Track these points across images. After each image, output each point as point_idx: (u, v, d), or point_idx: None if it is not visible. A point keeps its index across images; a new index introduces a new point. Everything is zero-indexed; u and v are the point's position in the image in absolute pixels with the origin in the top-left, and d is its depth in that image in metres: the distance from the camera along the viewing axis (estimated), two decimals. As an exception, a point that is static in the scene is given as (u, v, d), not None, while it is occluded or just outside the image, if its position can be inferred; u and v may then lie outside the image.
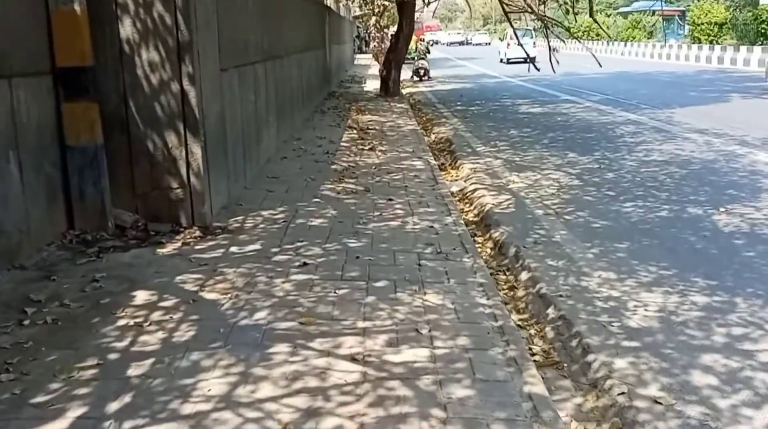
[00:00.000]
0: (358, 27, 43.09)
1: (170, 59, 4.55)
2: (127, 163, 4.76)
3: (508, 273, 4.60)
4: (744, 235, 5.08)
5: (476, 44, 65.47)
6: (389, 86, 15.88)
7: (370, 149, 8.43)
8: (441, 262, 4.21)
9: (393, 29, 28.65)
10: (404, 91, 17.22)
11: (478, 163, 8.13)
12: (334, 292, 3.63)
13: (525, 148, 9.15)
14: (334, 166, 7.26)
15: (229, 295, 3.56)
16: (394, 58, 15.69)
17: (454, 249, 4.48)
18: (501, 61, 33.59)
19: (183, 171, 4.75)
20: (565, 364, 3.22)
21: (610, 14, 43.29)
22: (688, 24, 32.98)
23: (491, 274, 4.33)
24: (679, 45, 32.32)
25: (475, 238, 5.24)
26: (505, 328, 3.27)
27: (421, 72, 23.51)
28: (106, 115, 4.61)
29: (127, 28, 4.49)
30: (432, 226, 4.99)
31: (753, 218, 5.49)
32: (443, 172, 7.73)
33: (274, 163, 7.33)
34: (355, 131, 10.04)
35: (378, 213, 5.34)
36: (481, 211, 6.05)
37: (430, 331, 3.19)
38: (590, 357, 3.17)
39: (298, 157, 7.75)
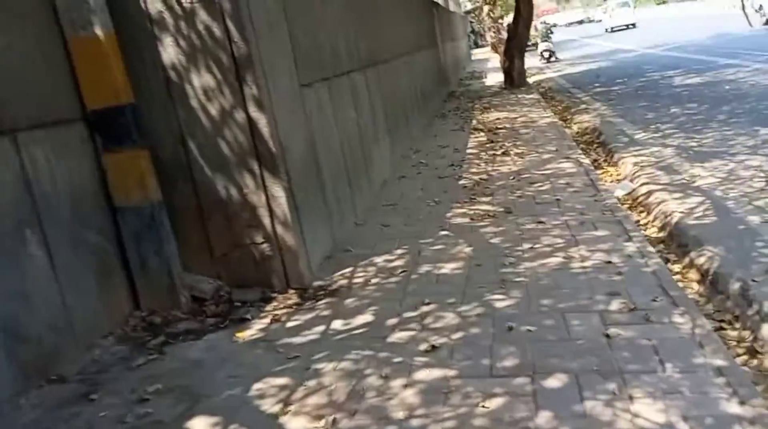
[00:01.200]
0: (471, 22, 41.53)
1: (228, 81, 3.45)
2: (197, 218, 3.71)
3: (736, 324, 3.06)
4: None
5: (599, 21, 60.20)
6: (513, 77, 14.31)
7: (504, 154, 7.01)
8: (640, 327, 2.76)
9: (507, 19, 26.90)
10: (530, 80, 15.53)
11: (642, 155, 6.48)
12: (482, 406, 2.31)
13: (699, 129, 7.33)
14: (462, 182, 5.94)
15: (323, 423, 2.34)
16: (515, 46, 14.10)
17: (654, 299, 3.01)
18: (606, 30, 35.54)
19: (266, 221, 3.64)
20: None
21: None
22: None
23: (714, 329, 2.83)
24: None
25: (671, 267, 3.71)
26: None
27: (547, 54, 22.26)
28: (162, 162, 3.58)
29: (169, 50, 3.43)
30: (610, 261, 3.53)
31: None
32: (600, 172, 6.17)
33: (391, 186, 6.12)
34: (482, 134, 8.65)
35: (528, 245, 3.95)
36: (667, 223, 4.48)
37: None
38: None
39: (418, 175, 6.49)
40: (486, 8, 22.70)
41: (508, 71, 14.39)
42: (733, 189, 4.87)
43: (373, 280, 3.70)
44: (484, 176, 6.02)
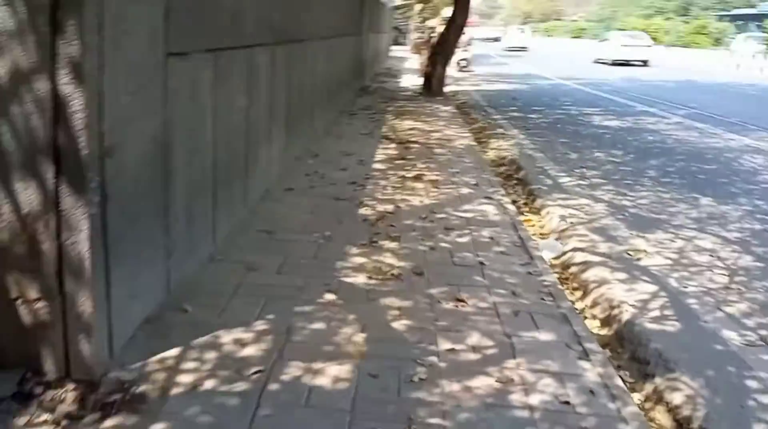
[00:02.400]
0: (396, 18, 40.46)
1: (34, 25, 2.07)
2: (-61, 240, 2.28)
3: None
4: None
5: (497, 39, 54.94)
6: (432, 84, 13.31)
7: (416, 178, 5.88)
8: None
9: (433, 21, 26.03)
10: (447, 90, 14.59)
11: (570, 206, 5.56)
12: None
13: (630, 184, 6.52)
14: (363, 210, 4.74)
15: None
16: (442, 52, 13.09)
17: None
18: (503, 49, 39.81)
19: (49, 265, 2.27)
20: None
21: (670, 17, 40.02)
22: (764, 31, 29.56)
23: None
24: (753, 55, 29.01)
25: (633, 393, 2.68)
26: None
27: (464, 63, 22.37)
28: None
29: None
30: (566, 402, 2.42)
31: None
32: (521, 219, 5.17)
33: (273, 201, 4.83)
34: (393, 145, 7.50)
35: (446, 344, 2.78)
36: (614, 318, 3.50)
37: None
38: None
39: (310, 189, 5.23)
40: (418, 7, 21.57)
41: (428, 76, 13.37)
42: (691, 279, 3.97)
43: (206, 385, 2.39)
44: (391, 208, 4.85)
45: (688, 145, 8.87)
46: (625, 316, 3.47)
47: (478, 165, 6.76)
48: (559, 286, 3.63)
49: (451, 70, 18.44)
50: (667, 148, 8.70)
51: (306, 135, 6.73)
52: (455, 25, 12.91)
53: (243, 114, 4.18)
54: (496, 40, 58.53)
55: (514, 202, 5.89)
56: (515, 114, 12.05)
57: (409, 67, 22.31)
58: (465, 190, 5.56)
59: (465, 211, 4.92)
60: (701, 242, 4.69)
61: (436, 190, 5.53)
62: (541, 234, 5.16)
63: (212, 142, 3.60)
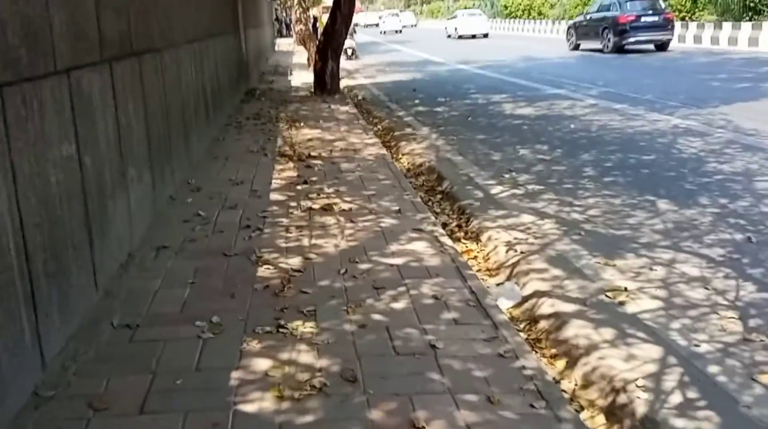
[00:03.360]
0: (276, 9, 38.83)
1: None
2: None
3: None
4: None
5: (402, 27, 58.85)
6: (326, 82, 12.14)
7: (324, 209, 4.75)
8: None
9: (315, 11, 24.71)
10: (341, 85, 13.46)
11: (512, 226, 4.62)
12: None
13: (570, 188, 5.67)
14: (262, 270, 3.56)
15: None
16: (330, 44, 11.94)
17: None
18: (449, 36, 36.32)
19: None
20: None
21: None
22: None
23: None
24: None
25: None
26: None
27: (350, 51, 21.93)
28: None
29: None
30: None
31: None
32: (458, 249, 4.16)
33: (140, 271, 3.57)
34: (291, 164, 6.31)
35: None
36: (620, 406, 2.54)
37: None
38: None
39: (191, 244, 3.99)
40: None
41: (320, 74, 12.18)
42: (697, 331, 3.07)
43: None
44: (298, 262, 3.70)
45: (615, 132, 8.18)
46: (640, 408, 2.52)
47: (395, 180, 5.70)
48: (548, 376, 2.62)
49: (342, 62, 17.37)
50: (594, 137, 7.97)
51: (182, 164, 5.45)
52: (341, 15, 11.78)
53: (72, 165, 2.91)
54: (376, 25, 58.27)
55: (444, 225, 4.90)
56: (421, 108, 11.11)
57: (297, 61, 21.02)
58: (387, 221, 4.48)
59: (393, 254, 3.84)
60: (684, 267, 3.82)
61: (351, 224, 4.42)
62: (488, 270, 4.17)
63: (12, 220, 2.34)
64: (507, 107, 10.80)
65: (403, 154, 7.70)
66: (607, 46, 20.83)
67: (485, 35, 35.11)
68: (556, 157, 6.98)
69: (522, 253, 4.18)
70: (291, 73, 16.98)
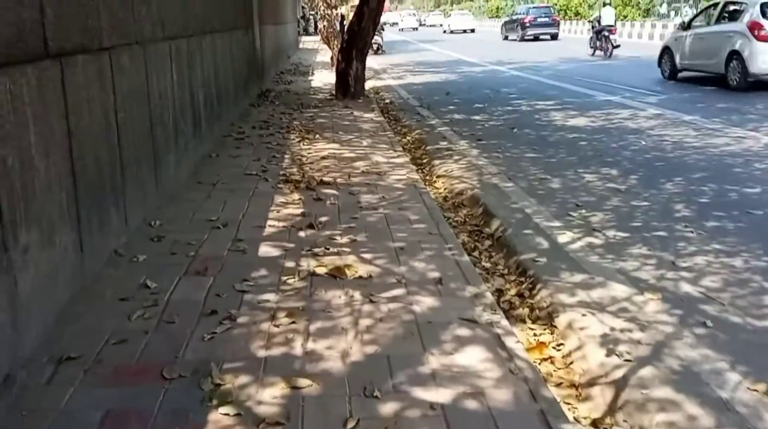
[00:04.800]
0: (303, 7, 37.56)
1: None
2: None
3: None
4: None
5: (431, 25, 61.43)
6: (349, 84, 10.72)
7: (334, 274, 3.32)
8: None
9: (343, 9, 23.30)
10: (367, 86, 12.05)
11: (602, 305, 3.19)
12: None
13: (664, 238, 4.19)
14: (213, 423, 2.17)
15: None
16: (356, 43, 10.52)
17: None
18: (444, 31, 44.12)
19: None
20: None
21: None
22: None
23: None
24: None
25: None
26: None
27: (375, 46, 21.42)
28: None
29: None
30: None
31: None
32: (519, 326, 2.75)
33: (12, 413, 2.20)
34: (296, 195, 4.91)
35: None
36: None
37: None
38: None
39: (115, 350, 2.58)
40: None
41: (343, 75, 10.77)
42: None
43: None
44: (280, 400, 2.29)
45: (696, 153, 6.67)
46: None
47: (431, 222, 4.28)
48: None
49: (368, 59, 15.96)
50: (672, 159, 6.48)
51: (144, 198, 4.08)
52: (369, 10, 10.36)
53: None
54: (395, 24, 58.57)
55: (500, 293, 3.49)
56: (456, 116, 9.67)
57: (321, 60, 19.67)
58: (423, 302, 3.05)
59: (434, 376, 2.41)
60: None
61: (370, 307, 3.00)
62: (572, 385, 2.74)
63: None
64: (556, 117, 9.31)
65: (437, 176, 6.28)
66: (518, 37, 31.21)
67: (472, 30, 43.59)
68: (632, 187, 5.51)
69: (626, 360, 2.74)
70: (312, 73, 15.61)
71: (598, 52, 20.25)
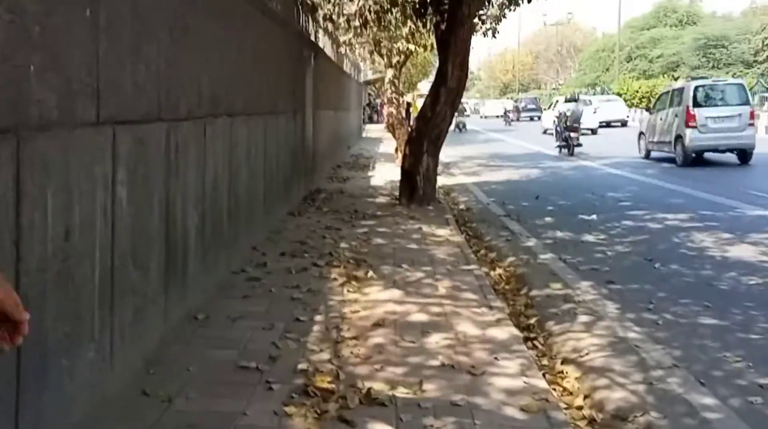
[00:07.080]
0: (369, 94, 36.43)
1: None
2: None
3: None
4: None
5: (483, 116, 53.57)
6: (417, 185, 8.44)
7: None
8: None
9: (409, 97, 21.35)
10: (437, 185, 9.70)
11: None
12: None
13: None
14: None
15: None
16: (428, 133, 8.32)
17: None
18: (481, 117, 51.53)
19: None
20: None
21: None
22: None
23: None
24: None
25: None
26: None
27: (461, 125, 19.04)
28: None
29: None
30: None
31: None
32: None
33: None
34: (326, 415, 2.48)
35: None
36: None
37: None
38: None
39: None
40: (390, 73, 16.53)
41: (409, 174, 8.51)
42: None
43: None
44: None
45: None
46: None
47: None
48: None
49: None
50: None
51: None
52: (447, 89, 8.16)
53: None
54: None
55: None
56: (560, 234, 7.19)
57: (384, 151, 17.66)
58: None
59: None
60: None
61: None
62: None
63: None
64: (705, 241, 6.70)
65: (563, 361, 3.73)
66: (509, 122, 38.40)
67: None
68: None
69: None
70: (373, 167, 13.50)
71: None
